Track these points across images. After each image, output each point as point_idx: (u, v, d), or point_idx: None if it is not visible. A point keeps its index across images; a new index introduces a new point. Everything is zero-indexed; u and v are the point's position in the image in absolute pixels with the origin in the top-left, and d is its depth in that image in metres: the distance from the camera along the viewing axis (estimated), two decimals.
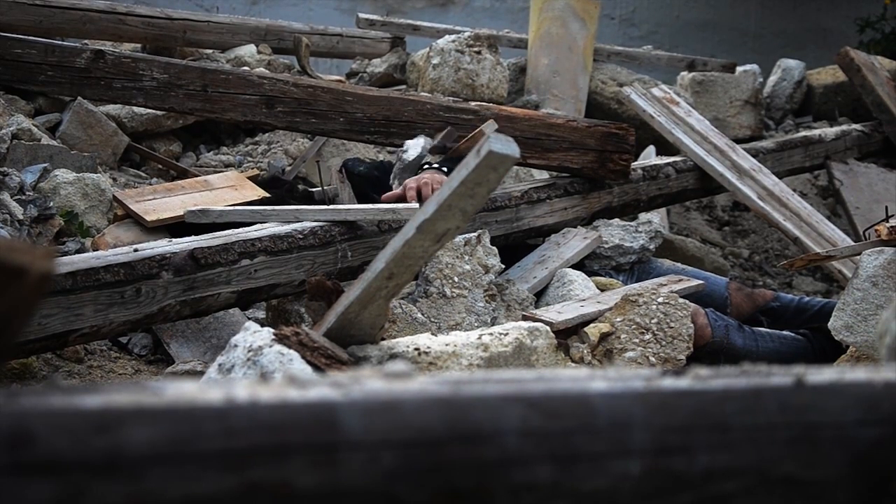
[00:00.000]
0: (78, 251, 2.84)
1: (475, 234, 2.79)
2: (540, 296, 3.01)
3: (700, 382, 0.81)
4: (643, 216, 3.47)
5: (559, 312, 2.69)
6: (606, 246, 3.33)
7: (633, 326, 2.64)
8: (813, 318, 3.31)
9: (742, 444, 0.80)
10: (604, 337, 2.66)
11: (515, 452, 0.74)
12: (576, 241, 3.25)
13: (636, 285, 2.96)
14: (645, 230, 3.40)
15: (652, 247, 3.40)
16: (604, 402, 0.78)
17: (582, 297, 2.88)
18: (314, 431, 0.70)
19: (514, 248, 3.27)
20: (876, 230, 2.68)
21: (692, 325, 2.68)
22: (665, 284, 3.05)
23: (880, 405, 0.83)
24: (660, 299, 2.68)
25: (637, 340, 2.63)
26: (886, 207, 3.01)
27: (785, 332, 3.21)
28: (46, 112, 4.05)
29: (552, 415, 0.76)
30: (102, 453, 0.65)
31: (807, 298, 3.51)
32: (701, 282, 3.14)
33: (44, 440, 0.64)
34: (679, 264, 3.58)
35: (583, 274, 3.02)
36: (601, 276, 3.22)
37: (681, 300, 2.70)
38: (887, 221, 2.68)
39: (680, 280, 3.12)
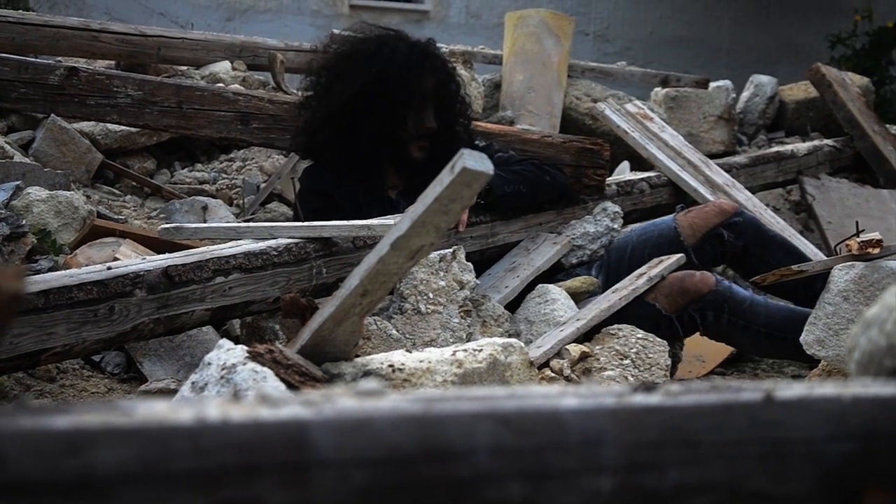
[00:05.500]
0: (51, 269, 2.82)
1: (450, 250, 2.80)
2: (516, 306, 3.00)
3: (670, 398, 0.82)
4: (599, 205, 3.47)
5: (538, 347, 2.70)
6: (576, 234, 3.33)
7: (613, 353, 2.68)
8: (770, 243, 3.27)
9: (712, 459, 0.80)
10: (584, 356, 2.68)
11: (487, 470, 0.74)
12: (546, 247, 3.24)
13: (614, 297, 2.94)
14: (604, 214, 3.42)
15: (616, 226, 3.42)
16: (575, 419, 0.78)
17: (563, 318, 2.88)
18: (285, 451, 0.70)
19: (489, 263, 3.27)
20: (847, 245, 2.70)
21: (669, 359, 2.71)
22: (644, 273, 3.05)
23: (848, 420, 0.84)
24: (639, 334, 2.76)
25: (616, 363, 2.66)
26: (857, 222, 3.03)
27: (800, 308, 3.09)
28: (19, 129, 4.04)
29: (524, 432, 0.76)
30: (72, 474, 0.65)
31: (769, 227, 3.43)
32: (681, 255, 3.11)
33: (13, 461, 0.64)
34: (627, 228, 3.58)
35: (564, 293, 3.01)
36: (577, 275, 3.22)
37: (658, 339, 2.76)
38: (858, 236, 2.70)
39: (660, 262, 3.10)
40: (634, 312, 2.90)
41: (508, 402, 0.78)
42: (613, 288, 3.03)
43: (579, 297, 3.05)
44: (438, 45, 3.36)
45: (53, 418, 0.67)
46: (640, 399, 0.81)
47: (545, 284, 3.03)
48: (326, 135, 3.13)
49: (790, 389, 0.86)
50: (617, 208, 3.46)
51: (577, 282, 3.11)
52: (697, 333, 3.07)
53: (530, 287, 3.06)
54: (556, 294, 2.97)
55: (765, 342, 3.03)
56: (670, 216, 3.41)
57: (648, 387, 0.84)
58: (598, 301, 2.96)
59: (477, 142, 3.21)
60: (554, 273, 3.22)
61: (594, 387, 0.84)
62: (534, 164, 3.29)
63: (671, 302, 2.98)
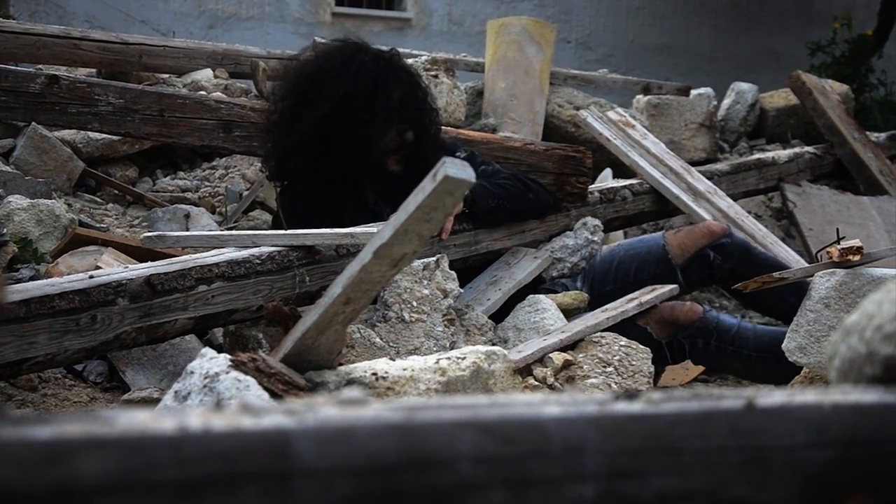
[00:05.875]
0: (32, 278, 2.81)
1: (434, 258, 2.80)
2: (503, 317, 3.00)
3: (652, 406, 0.82)
4: (579, 220, 3.49)
5: (519, 351, 2.71)
6: (556, 246, 3.35)
7: (596, 361, 2.69)
8: (759, 265, 3.25)
9: (694, 467, 0.81)
10: (567, 364, 2.69)
11: (469, 478, 0.74)
12: (526, 261, 3.26)
13: (602, 316, 2.94)
14: (584, 228, 3.43)
15: (596, 238, 3.43)
16: (557, 427, 0.78)
17: (552, 328, 2.89)
18: (268, 460, 0.70)
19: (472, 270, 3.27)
20: (828, 252, 2.71)
21: (652, 366, 2.73)
22: (636, 298, 3.07)
23: (829, 428, 0.85)
24: (622, 342, 2.77)
25: (599, 371, 2.67)
26: (838, 229, 3.05)
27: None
28: (0, 138, 4.01)
29: (506, 440, 0.76)
30: (53, 485, 0.64)
31: (759, 249, 3.45)
32: (674, 286, 3.14)
33: None
34: (612, 244, 3.59)
35: (554, 304, 3.01)
36: (564, 287, 3.23)
37: (641, 346, 2.77)
38: (839, 243, 2.72)
39: (653, 290, 3.12)
40: (625, 334, 2.91)
41: (491, 410, 0.78)
42: (603, 308, 3.04)
43: (570, 314, 3.05)
44: (420, 53, 3.36)
45: (34, 428, 0.66)
46: (623, 407, 0.82)
47: (536, 294, 3.04)
48: (300, 161, 3.09)
49: (771, 397, 0.86)
50: (597, 222, 3.48)
51: (567, 298, 3.12)
52: (688, 361, 3.10)
53: (512, 301, 3.06)
54: (547, 304, 2.98)
55: (757, 366, 3.06)
56: (659, 233, 3.43)
57: (630, 395, 0.84)
58: (586, 318, 2.97)
59: (459, 153, 3.21)
60: (535, 286, 3.23)
61: (576, 395, 0.84)
62: (519, 181, 3.29)
63: (661, 329, 3.02)
